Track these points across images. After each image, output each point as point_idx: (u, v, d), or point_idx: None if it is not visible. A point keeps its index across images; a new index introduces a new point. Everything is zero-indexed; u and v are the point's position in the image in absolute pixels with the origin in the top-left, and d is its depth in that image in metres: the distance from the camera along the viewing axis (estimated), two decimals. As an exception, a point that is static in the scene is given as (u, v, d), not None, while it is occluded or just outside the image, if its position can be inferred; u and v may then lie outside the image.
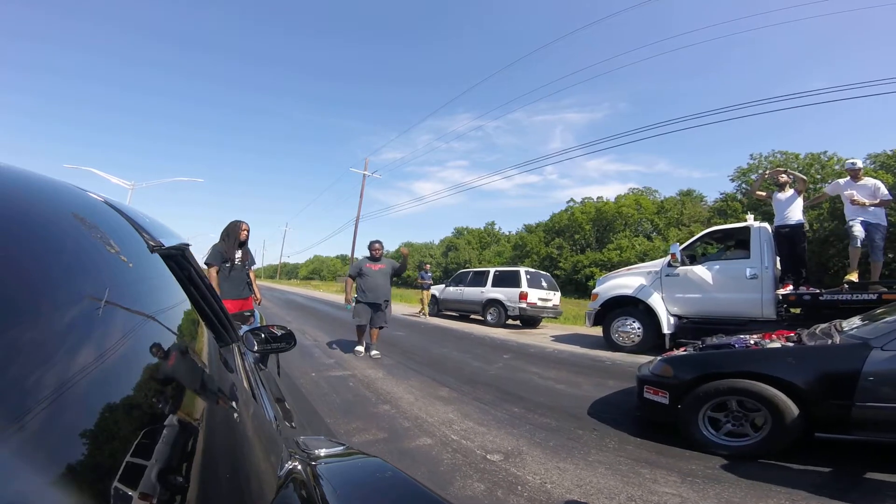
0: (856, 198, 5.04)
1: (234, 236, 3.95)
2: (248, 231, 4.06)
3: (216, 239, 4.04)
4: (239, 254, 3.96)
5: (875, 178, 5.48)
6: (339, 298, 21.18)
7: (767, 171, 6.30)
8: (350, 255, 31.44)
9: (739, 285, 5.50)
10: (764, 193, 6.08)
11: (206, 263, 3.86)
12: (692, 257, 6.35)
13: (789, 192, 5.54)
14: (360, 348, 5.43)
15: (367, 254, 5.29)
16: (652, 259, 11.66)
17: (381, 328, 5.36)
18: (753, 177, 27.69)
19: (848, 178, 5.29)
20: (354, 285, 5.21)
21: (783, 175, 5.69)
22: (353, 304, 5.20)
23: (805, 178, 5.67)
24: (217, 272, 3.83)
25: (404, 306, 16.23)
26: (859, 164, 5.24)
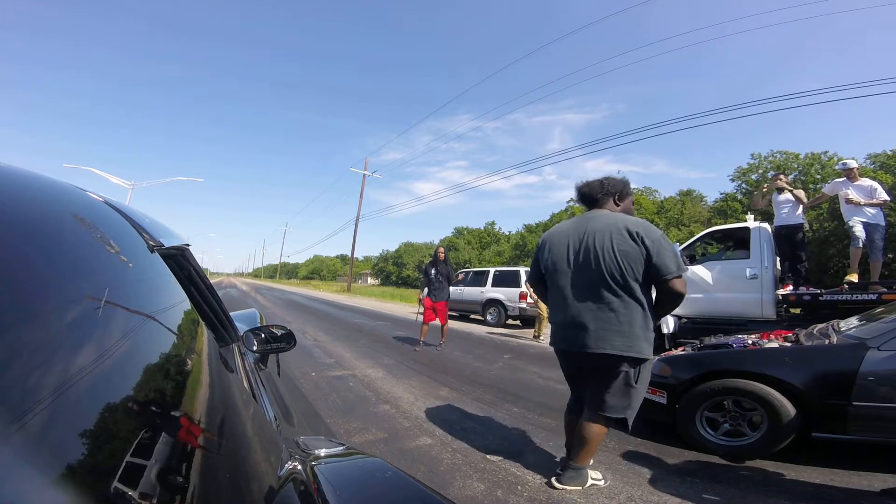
0: (850, 196, 5.06)
1: (431, 259, 6.09)
2: (443, 253, 6.00)
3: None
4: (433, 270, 5.91)
5: (874, 178, 5.46)
6: (341, 299, 20.79)
7: (766, 185, 6.28)
8: (350, 255, 31.23)
9: (739, 285, 5.48)
10: (765, 200, 6.06)
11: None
12: (692, 257, 6.34)
13: (788, 193, 5.54)
14: None
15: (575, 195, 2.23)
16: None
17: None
18: (755, 192, 27.62)
19: (845, 178, 5.30)
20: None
21: (781, 182, 5.67)
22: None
23: (804, 194, 5.58)
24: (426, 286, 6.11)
25: (404, 306, 16.23)
26: (851, 164, 5.25)
